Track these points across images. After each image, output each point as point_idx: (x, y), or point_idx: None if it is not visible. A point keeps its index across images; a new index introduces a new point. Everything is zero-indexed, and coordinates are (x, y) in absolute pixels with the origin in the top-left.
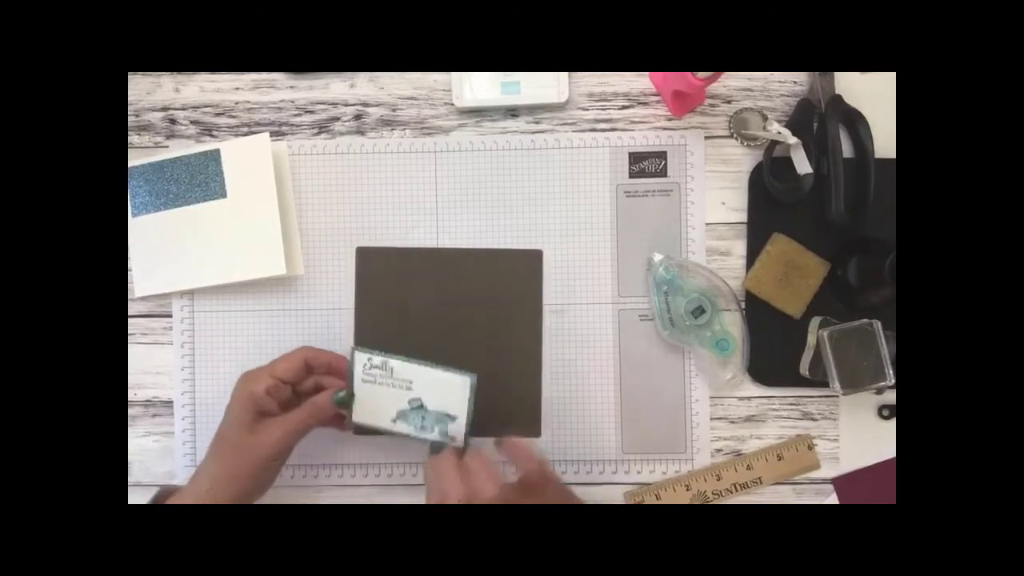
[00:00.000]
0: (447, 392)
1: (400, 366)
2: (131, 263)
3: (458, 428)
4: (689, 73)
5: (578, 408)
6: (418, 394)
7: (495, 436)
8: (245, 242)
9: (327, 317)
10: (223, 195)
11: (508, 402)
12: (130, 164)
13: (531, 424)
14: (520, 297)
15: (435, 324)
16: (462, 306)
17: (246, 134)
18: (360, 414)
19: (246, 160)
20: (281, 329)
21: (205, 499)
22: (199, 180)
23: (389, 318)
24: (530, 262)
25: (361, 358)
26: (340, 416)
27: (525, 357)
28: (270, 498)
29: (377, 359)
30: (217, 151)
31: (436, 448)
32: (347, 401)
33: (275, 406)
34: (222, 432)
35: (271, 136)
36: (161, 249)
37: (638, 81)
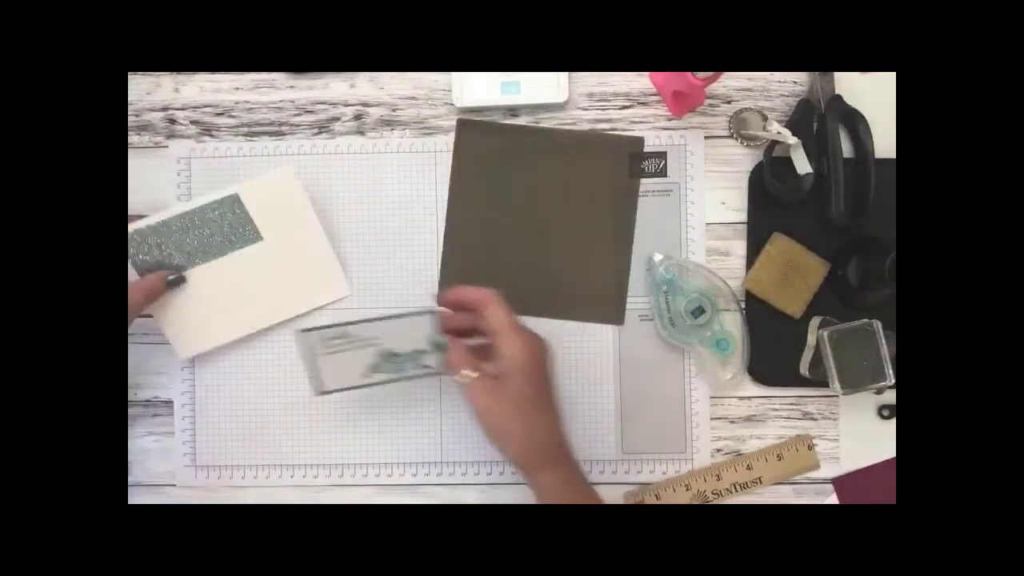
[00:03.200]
0: (413, 333)
1: (358, 329)
2: (166, 329)
3: (431, 357)
4: (689, 73)
5: (578, 408)
6: (387, 346)
7: (574, 320)
8: (301, 275)
9: (322, 314)
10: (259, 239)
11: (589, 288)
12: (144, 224)
13: (614, 311)
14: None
15: (528, 205)
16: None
17: (246, 134)
18: (331, 382)
19: (271, 199)
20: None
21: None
22: (228, 229)
23: (483, 199)
24: (632, 148)
25: (311, 338)
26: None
27: (612, 243)
28: (270, 498)
29: (332, 331)
30: (236, 196)
31: (441, 347)
32: (180, 282)
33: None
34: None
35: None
36: (206, 302)
37: (638, 81)
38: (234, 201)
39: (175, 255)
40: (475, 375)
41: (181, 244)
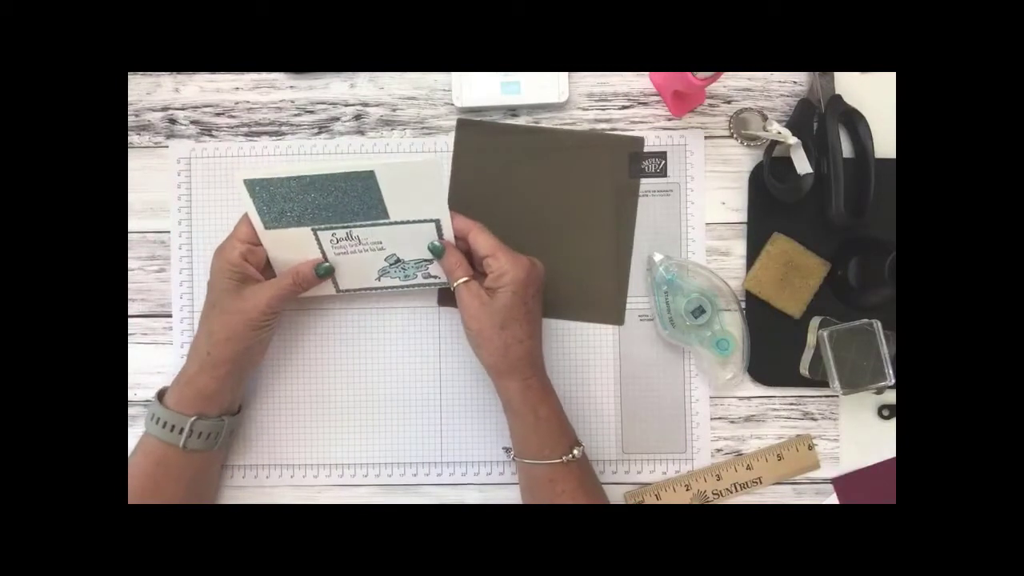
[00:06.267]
0: (417, 240)
1: (365, 232)
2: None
3: (437, 268)
4: (689, 73)
5: (578, 408)
6: (391, 251)
7: (574, 319)
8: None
9: (321, 317)
10: (385, 217)
11: (590, 288)
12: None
13: (614, 311)
14: (616, 183)
15: (527, 203)
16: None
17: (246, 134)
18: (346, 282)
19: (409, 183)
20: (283, 328)
21: (207, 364)
22: (355, 203)
23: (481, 195)
24: (632, 147)
25: (325, 236)
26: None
27: (612, 243)
28: (270, 498)
29: (340, 232)
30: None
31: (437, 252)
32: (329, 272)
33: (254, 270)
34: (210, 303)
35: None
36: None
37: (638, 81)
38: (368, 177)
39: (288, 208)
40: (466, 279)
41: (296, 201)
